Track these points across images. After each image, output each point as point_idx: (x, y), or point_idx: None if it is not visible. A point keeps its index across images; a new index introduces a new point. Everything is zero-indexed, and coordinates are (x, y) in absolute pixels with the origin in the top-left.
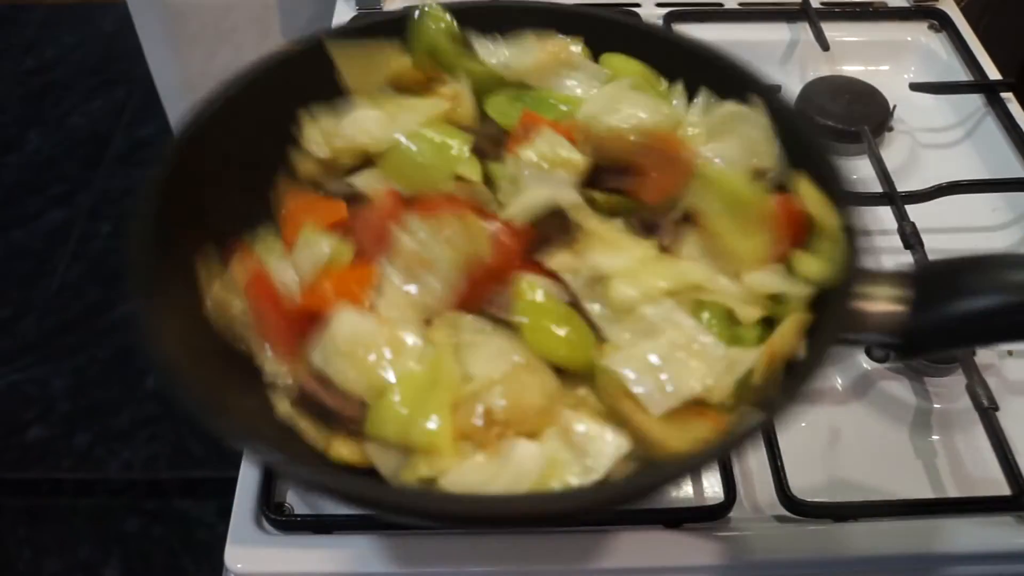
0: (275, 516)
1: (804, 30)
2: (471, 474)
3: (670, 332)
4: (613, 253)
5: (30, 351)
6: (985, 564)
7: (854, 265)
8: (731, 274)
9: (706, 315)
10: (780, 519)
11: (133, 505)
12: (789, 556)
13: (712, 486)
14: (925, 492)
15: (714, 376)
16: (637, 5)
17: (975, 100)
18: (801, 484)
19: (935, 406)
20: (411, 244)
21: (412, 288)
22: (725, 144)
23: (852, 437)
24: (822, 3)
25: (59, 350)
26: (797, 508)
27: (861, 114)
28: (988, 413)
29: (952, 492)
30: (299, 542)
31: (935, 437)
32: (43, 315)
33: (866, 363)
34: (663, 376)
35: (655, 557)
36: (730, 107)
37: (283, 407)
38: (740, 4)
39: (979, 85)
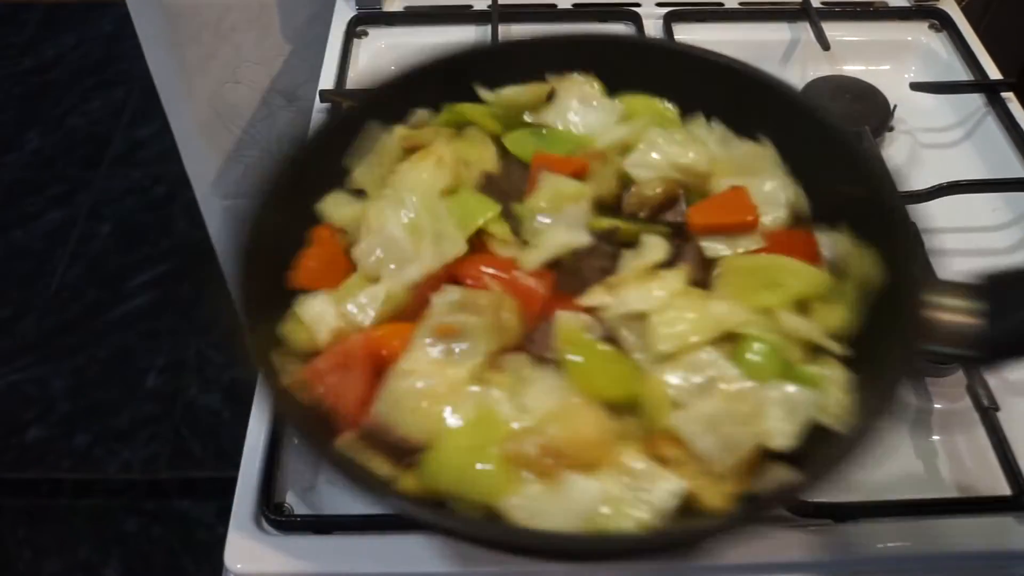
0: (275, 516)
1: (805, 30)
2: (529, 503)
3: (722, 385)
4: (646, 288)
5: (29, 351)
6: (986, 564)
7: (921, 275)
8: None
9: (754, 352)
10: (781, 520)
11: (133, 505)
12: (790, 557)
13: None
14: (926, 492)
15: (775, 431)
16: (637, 5)
17: (975, 100)
18: None
19: (936, 406)
20: (443, 313)
21: (437, 351)
22: (758, 181)
23: None
24: (823, 3)
25: (58, 350)
26: (798, 509)
27: (862, 114)
28: (989, 413)
29: (952, 492)
30: (299, 542)
31: (935, 437)
32: (42, 315)
33: None
34: (725, 433)
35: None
36: (748, 146)
37: (345, 440)
38: (741, 4)
39: (980, 85)
